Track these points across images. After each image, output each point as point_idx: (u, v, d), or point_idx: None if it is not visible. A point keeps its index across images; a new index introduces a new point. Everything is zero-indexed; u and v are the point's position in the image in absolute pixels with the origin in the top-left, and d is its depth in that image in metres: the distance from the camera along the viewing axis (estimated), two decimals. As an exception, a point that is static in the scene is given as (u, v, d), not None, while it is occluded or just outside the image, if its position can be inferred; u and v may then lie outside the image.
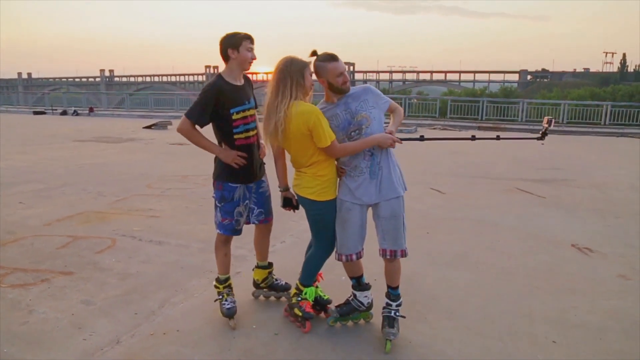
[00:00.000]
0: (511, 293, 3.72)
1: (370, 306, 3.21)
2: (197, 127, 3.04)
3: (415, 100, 26.58)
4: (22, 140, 12.93)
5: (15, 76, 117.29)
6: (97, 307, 3.44)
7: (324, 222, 2.97)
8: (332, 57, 2.80)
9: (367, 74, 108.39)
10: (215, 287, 3.33)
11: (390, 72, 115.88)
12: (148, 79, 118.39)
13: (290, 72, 2.76)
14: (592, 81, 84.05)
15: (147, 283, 3.84)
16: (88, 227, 5.24)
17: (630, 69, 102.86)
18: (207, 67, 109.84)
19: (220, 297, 3.27)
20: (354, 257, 3.00)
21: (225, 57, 3.01)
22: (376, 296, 3.19)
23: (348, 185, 2.91)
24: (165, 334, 3.07)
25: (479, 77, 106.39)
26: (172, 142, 12.62)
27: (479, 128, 18.70)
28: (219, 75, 3.06)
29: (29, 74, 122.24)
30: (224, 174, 3.14)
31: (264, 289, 3.55)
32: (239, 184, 3.14)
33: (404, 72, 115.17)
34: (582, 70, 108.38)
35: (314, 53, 2.84)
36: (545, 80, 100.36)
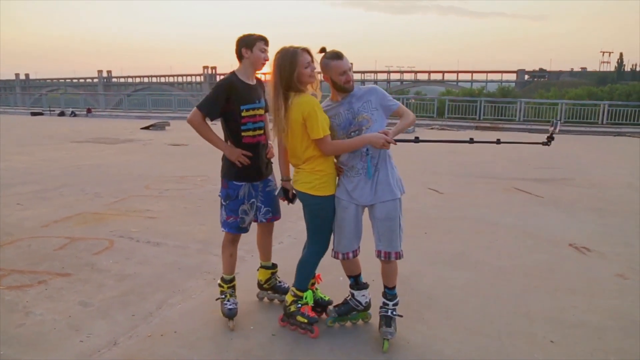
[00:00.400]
0: (509, 292, 3.72)
1: (368, 306, 3.21)
2: (208, 120, 3.11)
3: (413, 100, 26.66)
4: (20, 141, 12.91)
5: (13, 77, 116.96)
6: (95, 308, 3.43)
7: (322, 217, 2.95)
8: (336, 55, 2.81)
9: (365, 74, 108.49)
10: (220, 285, 3.33)
11: (388, 72, 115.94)
12: (146, 79, 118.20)
13: (280, 65, 2.78)
14: (589, 80, 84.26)
15: (145, 284, 3.83)
16: (85, 229, 5.23)
17: (627, 68, 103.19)
18: (205, 67, 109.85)
19: (223, 296, 3.28)
20: (350, 255, 3.02)
21: (240, 56, 3.08)
22: (374, 297, 3.19)
23: (345, 185, 2.91)
24: (163, 336, 3.07)
25: (476, 76, 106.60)
26: (170, 143, 12.62)
27: (477, 128, 18.73)
28: (233, 72, 3.13)
29: (27, 75, 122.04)
30: (229, 172, 3.17)
31: (268, 291, 3.55)
32: (244, 182, 3.16)
33: (401, 72, 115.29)
34: (580, 70, 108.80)
35: (322, 50, 2.86)
36: (543, 79, 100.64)
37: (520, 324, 3.23)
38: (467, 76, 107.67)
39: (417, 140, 3.04)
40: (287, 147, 2.97)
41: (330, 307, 3.24)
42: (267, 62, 3.07)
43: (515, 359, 2.85)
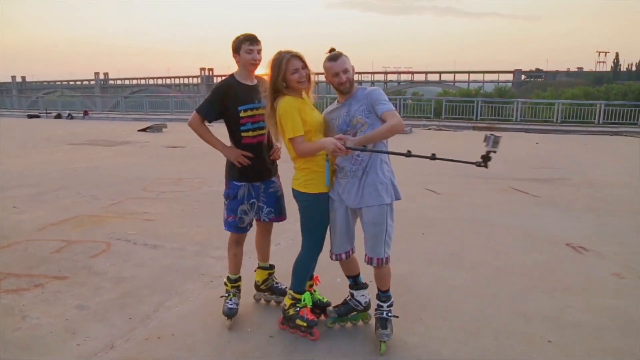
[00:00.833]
0: (507, 292, 3.72)
1: (368, 306, 3.21)
2: (207, 122, 3.16)
3: (410, 101, 26.65)
4: (16, 144, 12.88)
5: (9, 79, 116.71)
6: (92, 311, 3.42)
7: (311, 215, 2.97)
8: (330, 57, 2.83)
9: (362, 75, 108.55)
10: (225, 284, 3.37)
11: (385, 72, 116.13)
12: (143, 81, 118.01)
13: (271, 70, 2.83)
14: (585, 80, 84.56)
15: (142, 287, 3.82)
16: (82, 231, 5.21)
17: (623, 68, 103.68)
18: (202, 69, 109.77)
19: (227, 295, 3.32)
20: (343, 256, 3.03)
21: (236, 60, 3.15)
22: (373, 298, 3.18)
23: (336, 186, 2.93)
24: (160, 338, 3.06)
25: (473, 77, 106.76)
26: (167, 145, 12.60)
27: (474, 128, 18.74)
28: (232, 75, 3.18)
29: (23, 78, 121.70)
30: (230, 172, 3.23)
31: (265, 292, 3.55)
32: (244, 182, 3.18)
33: (398, 72, 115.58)
34: (576, 70, 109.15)
35: (330, 51, 2.87)
36: (540, 79, 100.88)
37: (518, 324, 3.23)
38: (464, 77, 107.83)
39: (364, 149, 2.87)
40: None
41: (330, 308, 3.24)
42: (258, 61, 3.08)
43: (513, 359, 2.85)
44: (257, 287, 3.54)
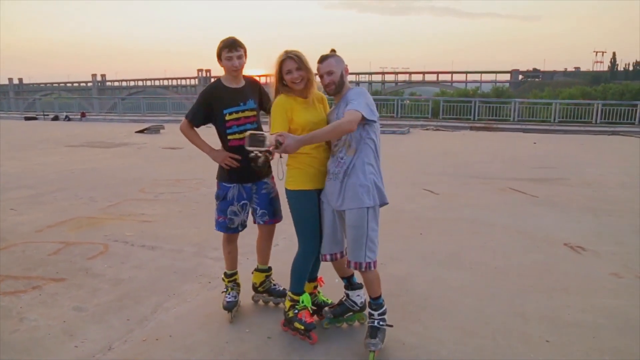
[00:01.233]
0: (505, 292, 3.72)
1: (364, 306, 3.19)
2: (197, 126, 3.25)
3: (407, 102, 26.70)
4: (13, 146, 12.85)
5: (6, 82, 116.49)
6: (89, 313, 3.41)
7: (296, 212, 2.99)
8: (319, 59, 2.84)
9: (360, 75, 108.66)
10: (223, 280, 3.46)
11: (383, 73, 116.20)
12: (140, 83, 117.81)
13: (274, 68, 2.91)
14: (583, 80, 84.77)
15: (140, 288, 3.81)
16: (80, 233, 5.20)
17: (620, 67, 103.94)
18: (200, 70, 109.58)
19: (225, 290, 3.39)
20: (328, 257, 3.01)
21: None
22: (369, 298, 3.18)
23: (325, 188, 2.93)
24: (158, 340, 3.05)
25: (471, 77, 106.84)
26: (165, 146, 12.59)
27: (472, 128, 18.79)
28: (219, 78, 3.24)
29: (20, 80, 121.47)
30: (220, 174, 3.28)
31: (263, 294, 3.55)
32: (233, 183, 3.22)
33: (396, 73, 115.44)
34: (573, 70, 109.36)
35: (331, 52, 2.89)
36: (537, 79, 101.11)
37: (516, 324, 3.23)
38: (462, 77, 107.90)
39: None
40: None
41: (326, 309, 3.21)
42: (237, 67, 3.10)
43: (511, 359, 2.85)
44: (254, 289, 3.54)
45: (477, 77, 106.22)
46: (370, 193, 2.78)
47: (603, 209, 6.17)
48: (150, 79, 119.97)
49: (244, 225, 3.34)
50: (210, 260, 4.37)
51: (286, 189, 2.99)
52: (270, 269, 3.53)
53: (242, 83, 3.21)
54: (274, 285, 3.54)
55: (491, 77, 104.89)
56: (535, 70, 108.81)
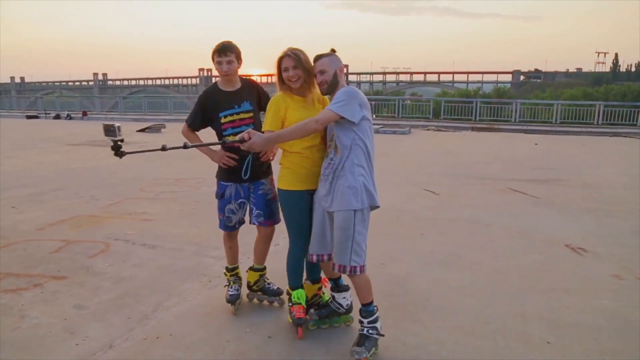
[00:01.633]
0: (505, 293, 3.72)
1: (349, 309, 3.18)
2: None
3: (408, 102, 26.69)
4: (15, 145, 12.88)
5: (8, 80, 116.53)
6: (90, 311, 3.42)
7: (285, 212, 3.05)
8: (314, 58, 2.85)
9: (361, 75, 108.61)
10: (225, 274, 3.56)
11: (384, 73, 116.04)
12: (142, 82, 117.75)
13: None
14: (584, 81, 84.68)
15: (141, 287, 3.82)
16: (81, 232, 5.21)
17: (623, 68, 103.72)
18: (201, 69, 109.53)
19: (228, 284, 3.50)
20: (314, 258, 2.98)
21: None
22: (356, 300, 3.16)
23: (318, 188, 2.92)
24: (159, 338, 3.06)
25: (472, 77, 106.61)
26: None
27: (473, 129, 18.77)
28: (215, 82, 3.33)
29: (22, 78, 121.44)
30: (218, 172, 3.36)
31: (257, 292, 3.55)
32: (230, 182, 3.29)
33: (397, 73, 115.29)
34: (575, 70, 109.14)
35: (331, 51, 2.89)
36: (538, 80, 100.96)
37: (516, 325, 3.23)
38: (463, 77, 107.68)
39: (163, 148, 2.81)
40: None
41: (312, 310, 3.17)
42: (227, 72, 3.14)
43: (510, 359, 2.85)
44: (249, 287, 3.56)
45: (478, 77, 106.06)
46: (358, 195, 2.72)
47: (604, 210, 6.16)
48: (152, 78, 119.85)
49: (241, 223, 3.42)
50: (211, 259, 4.38)
51: (277, 188, 3.05)
52: (265, 268, 3.54)
53: (238, 85, 3.27)
54: (268, 284, 3.56)
55: (493, 77, 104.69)
56: (537, 70, 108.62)
